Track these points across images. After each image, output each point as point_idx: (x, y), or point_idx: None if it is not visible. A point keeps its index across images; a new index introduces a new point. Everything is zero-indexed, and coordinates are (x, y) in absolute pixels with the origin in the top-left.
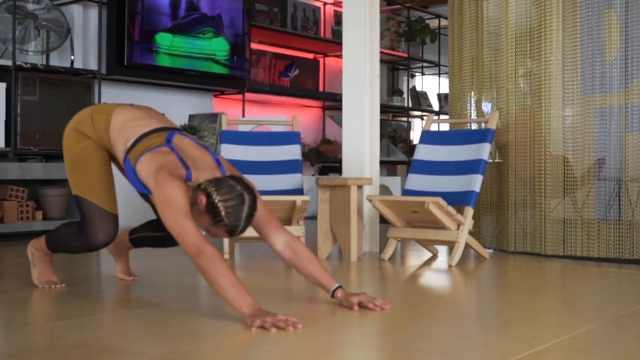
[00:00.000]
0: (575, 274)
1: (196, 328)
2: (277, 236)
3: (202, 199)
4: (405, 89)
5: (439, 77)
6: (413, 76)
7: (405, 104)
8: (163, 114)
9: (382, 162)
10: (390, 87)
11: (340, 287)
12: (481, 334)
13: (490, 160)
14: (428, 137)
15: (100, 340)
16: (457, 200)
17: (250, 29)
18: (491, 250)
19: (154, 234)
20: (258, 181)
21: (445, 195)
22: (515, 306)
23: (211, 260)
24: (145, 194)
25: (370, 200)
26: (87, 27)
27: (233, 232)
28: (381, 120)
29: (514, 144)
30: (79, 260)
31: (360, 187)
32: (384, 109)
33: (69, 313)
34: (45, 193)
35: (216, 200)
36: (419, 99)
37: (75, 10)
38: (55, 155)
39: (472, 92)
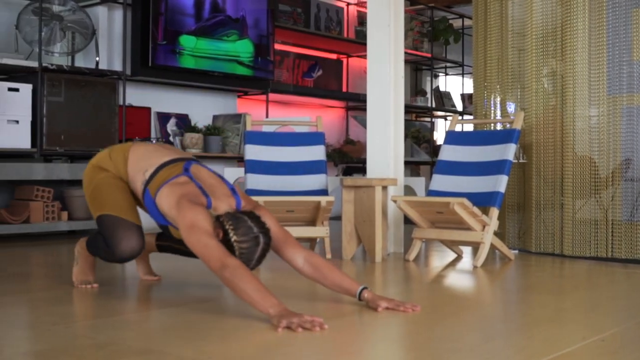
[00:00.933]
0: (602, 276)
1: (222, 328)
2: (295, 254)
3: (219, 233)
4: (428, 89)
5: (463, 77)
6: (436, 76)
7: (429, 104)
8: (175, 148)
9: (405, 163)
10: (414, 88)
11: (365, 288)
12: (508, 335)
13: (515, 161)
14: (453, 137)
15: (127, 340)
16: (482, 200)
17: (274, 29)
18: (516, 251)
19: (182, 247)
20: (282, 182)
21: (470, 196)
22: (541, 307)
23: (234, 270)
24: (165, 226)
25: (394, 201)
26: (111, 28)
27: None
28: (405, 120)
29: (539, 144)
30: (98, 261)
31: (384, 188)
32: (408, 109)
33: (95, 313)
34: (71, 193)
35: (232, 240)
36: (443, 99)
37: (100, 11)
38: (80, 156)
39: (497, 92)
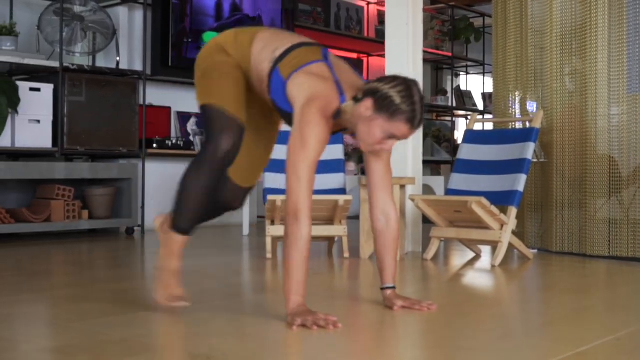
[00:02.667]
0: (621, 275)
1: (238, 326)
2: (382, 200)
3: (368, 102)
4: (449, 89)
5: (484, 76)
6: (457, 75)
7: (449, 104)
8: None
9: (425, 162)
10: (434, 87)
11: (393, 287)
12: (523, 334)
13: (535, 160)
14: (472, 136)
15: (142, 337)
16: (501, 199)
17: (292, 28)
18: (535, 251)
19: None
20: None
21: (488, 195)
22: (558, 307)
23: (300, 240)
24: (285, 112)
25: (413, 200)
26: (132, 28)
27: (413, 119)
28: (425, 119)
29: (559, 143)
30: (124, 258)
31: (403, 187)
32: (428, 108)
33: (113, 310)
34: (92, 192)
35: (385, 90)
36: (463, 99)
37: (121, 11)
38: (101, 155)
39: (517, 91)
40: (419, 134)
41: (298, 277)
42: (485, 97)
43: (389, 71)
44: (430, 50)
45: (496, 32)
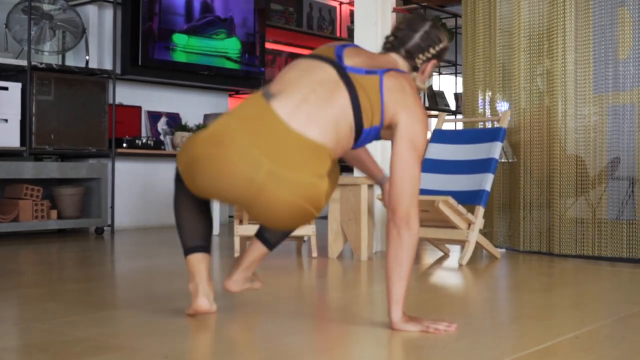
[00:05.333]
0: (587, 274)
1: (199, 326)
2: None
3: (433, 62)
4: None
5: (456, 76)
6: (430, 76)
7: (425, 104)
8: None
9: None
10: None
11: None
12: (484, 332)
13: (504, 160)
14: (440, 136)
15: (103, 337)
16: (468, 199)
17: (263, 28)
18: (503, 250)
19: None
20: None
21: (456, 195)
22: (523, 305)
23: (413, 240)
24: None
25: (380, 200)
26: (102, 27)
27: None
28: None
29: (527, 143)
30: (92, 258)
31: (371, 187)
32: None
33: (77, 310)
34: (61, 192)
35: (441, 46)
36: (436, 99)
37: (91, 10)
38: (70, 155)
39: (486, 91)
40: None
41: (405, 284)
42: (458, 97)
43: None
44: None
45: (466, 32)
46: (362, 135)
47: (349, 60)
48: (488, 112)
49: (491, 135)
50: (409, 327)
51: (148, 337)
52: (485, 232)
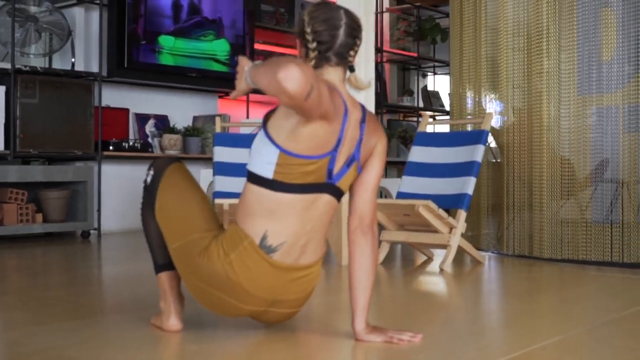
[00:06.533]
0: (571, 278)
1: (159, 336)
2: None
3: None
4: (416, 89)
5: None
6: (425, 76)
7: (416, 104)
8: None
9: (391, 163)
10: (401, 87)
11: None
12: (446, 342)
13: (494, 161)
14: (422, 138)
15: (60, 349)
16: (451, 203)
17: (252, 29)
18: (489, 254)
19: None
20: None
21: (438, 198)
22: (497, 312)
23: (376, 248)
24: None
25: None
26: (89, 29)
27: None
28: (392, 120)
29: (513, 145)
30: (75, 263)
31: None
32: (394, 109)
33: (40, 319)
34: (46, 195)
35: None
36: (430, 99)
37: (77, 12)
38: (56, 158)
39: (473, 92)
40: None
41: (371, 294)
42: None
43: None
44: (396, 51)
45: (453, 32)
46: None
47: (337, 166)
48: (477, 113)
49: (474, 137)
50: (373, 338)
51: (108, 347)
52: (470, 235)
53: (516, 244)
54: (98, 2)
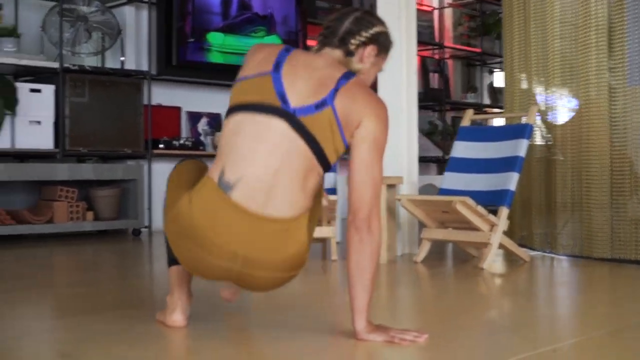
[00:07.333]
0: (622, 279)
1: (145, 332)
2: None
3: (371, 48)
4: (481, 85)
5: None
6: (492, 72)
7: (480, 101)
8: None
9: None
10: (466, 84)
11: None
12: (460, 341)
13: (562, 159)
14: (465, 133)
15: (47, 344)
16: (492, 199)
17: (305, 25)
18: (541, 253)
19: None
20: None
21: (480, 195)
22: (520, 313)
23: (376, 246)
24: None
25: (399, 200)
26: (139, 28)
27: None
28: (456, 117)
29: (570, 140)
30: (117, 260)
31: (391, 187)
32: (458, 106)
33: (54, 314)
34: (97, 193)
35: (381, 29)
36: (497, 95)
37: (127, 11)
38: (107, 156)
39: (526, 85)
40: (413, 131)
41: (370, 292)
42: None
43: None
44: (459, 47)
45: (505, 24)
46: (331, 168)
47: (293, 97)
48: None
49: (517, 132)
50: (374, 337)
51: (94, 344)
52: (524, 235)
53: (571, 243)
54: (147, 0)
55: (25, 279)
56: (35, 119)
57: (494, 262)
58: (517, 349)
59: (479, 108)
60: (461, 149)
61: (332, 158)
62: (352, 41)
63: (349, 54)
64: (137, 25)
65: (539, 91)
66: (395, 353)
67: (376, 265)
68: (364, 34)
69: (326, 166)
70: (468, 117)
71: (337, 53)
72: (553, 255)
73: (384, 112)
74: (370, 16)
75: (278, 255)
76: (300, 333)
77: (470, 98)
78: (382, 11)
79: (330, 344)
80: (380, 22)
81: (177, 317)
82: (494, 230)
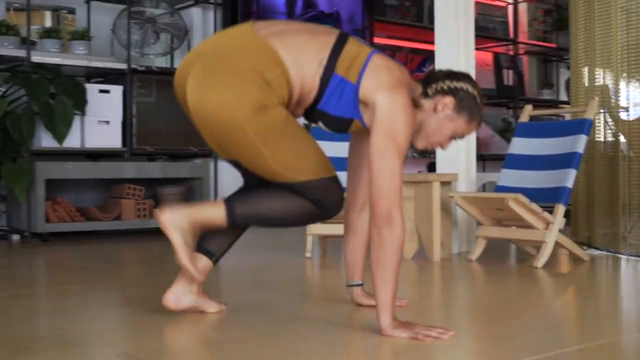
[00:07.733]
0: None
1: (161, 323)
2: (370, 201)
3: (448, 100)
4: (557, 81)
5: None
6: (569, 68)
7: (556, 97)
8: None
9: None
10: (542, 80)
11: (360, 284)
12: (479, 341)
13: (632, 155)
14: (523, 129)
15: (68, 333)
16: (549, 196)
17: (372, 23)
18: (605, 253)
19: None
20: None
21: (536, 192)
22: (554, 313)
23: (396, 241)
24: (341, 118)
25: (451, 197)
26: (206, 29)
27: (481, 121)
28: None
29: (636, 136)
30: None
31: (445, 184)
32: (534, 102)
33: (88, 306)
34: (164, 191)
35: (469, 89)
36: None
37: (194, 12)
38: (174, 155)
39: (590, 80)
40: None
41: (395, 289)
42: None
43: (439, 65)
44: (534, 42)
45: (571, 16)
46: (330, 81)
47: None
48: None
49: (576, 127)
50: (398, 333)
51: (113, 334)
52: (590, 234)
53: (636, 243)
54: (212, 1)
55: (92, 273)
56: (104, 119)
57: (551, 261)
58: (539, 348)
59: (555, 105)
60: (519, 146)
61: (339, 69)
62: (434, 85)
63: (426, 95)
64: (204, 26)
65: (603, 85)
66: (422, 348)
67: (398, 261)
68: (448, 82)
69: (329, 70)
70: (527, 113)
71: (419, 89)
72: (618, 255)
73: (404, 104)
74: (464, 75)
75: (238, 62)
76: (326, 328)
77: (546, 95)
78: (439, 9)
79: (355, 338)
80: (470, 83)
81: (167, 295)
82: (550, 228)
